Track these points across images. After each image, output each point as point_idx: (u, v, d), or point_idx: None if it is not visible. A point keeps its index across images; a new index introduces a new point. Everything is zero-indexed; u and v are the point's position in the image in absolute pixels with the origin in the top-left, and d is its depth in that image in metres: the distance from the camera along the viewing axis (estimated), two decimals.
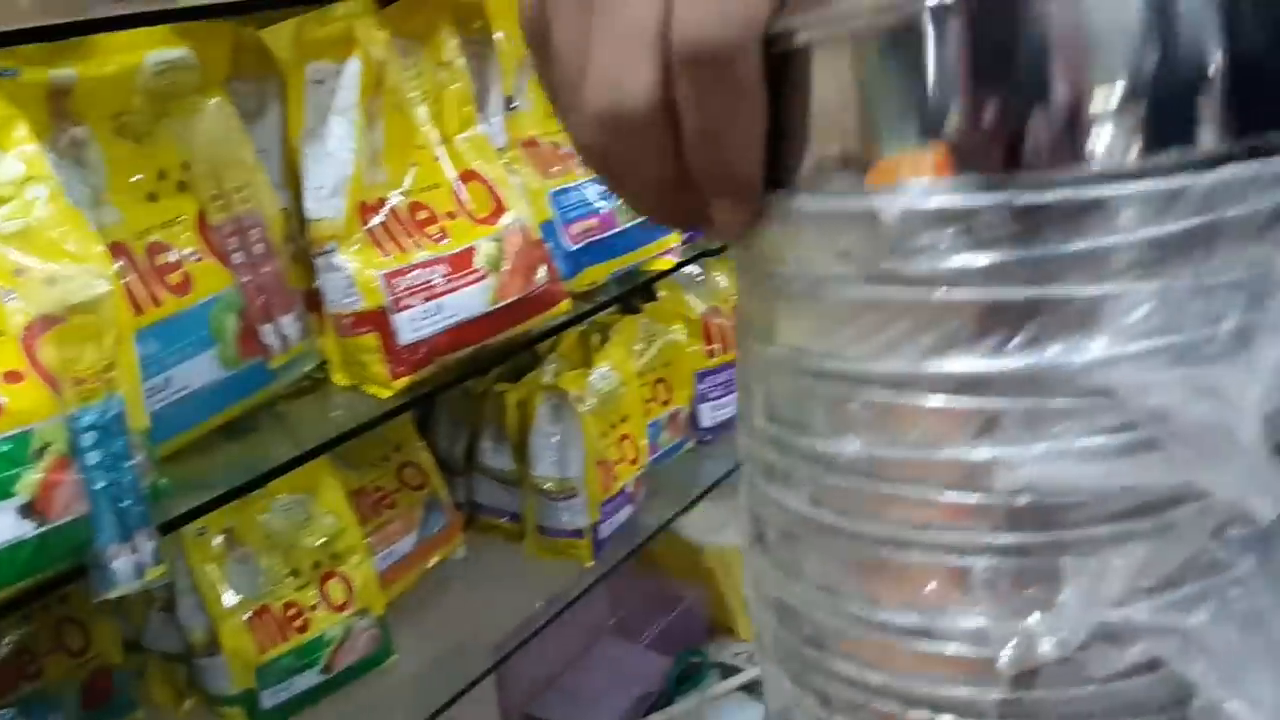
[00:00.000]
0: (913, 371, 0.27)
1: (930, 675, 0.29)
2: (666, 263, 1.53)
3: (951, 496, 0.28)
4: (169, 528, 1.01)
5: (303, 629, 1.23)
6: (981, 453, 0.27)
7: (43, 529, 0.83)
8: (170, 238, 1.06)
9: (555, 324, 1.34)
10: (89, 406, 0.88)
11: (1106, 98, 0.26)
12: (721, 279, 1.80)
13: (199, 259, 1.07)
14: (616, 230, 1.44)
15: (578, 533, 1.50)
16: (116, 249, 1.01)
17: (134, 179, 1.04)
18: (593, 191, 1.43)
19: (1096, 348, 0.26)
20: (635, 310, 1.70)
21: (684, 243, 1.58)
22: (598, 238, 1.42)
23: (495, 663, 1.43)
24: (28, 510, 0.83)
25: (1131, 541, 0.27)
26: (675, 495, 1.70)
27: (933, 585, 0.28)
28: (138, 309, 1.01)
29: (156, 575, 0.92)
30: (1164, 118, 0.26)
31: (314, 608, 1.24)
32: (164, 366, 1.03)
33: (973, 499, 0.27)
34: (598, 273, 1.43)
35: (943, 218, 0.26)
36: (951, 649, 0.28)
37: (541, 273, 1.27)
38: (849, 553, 0.30)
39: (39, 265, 0.88)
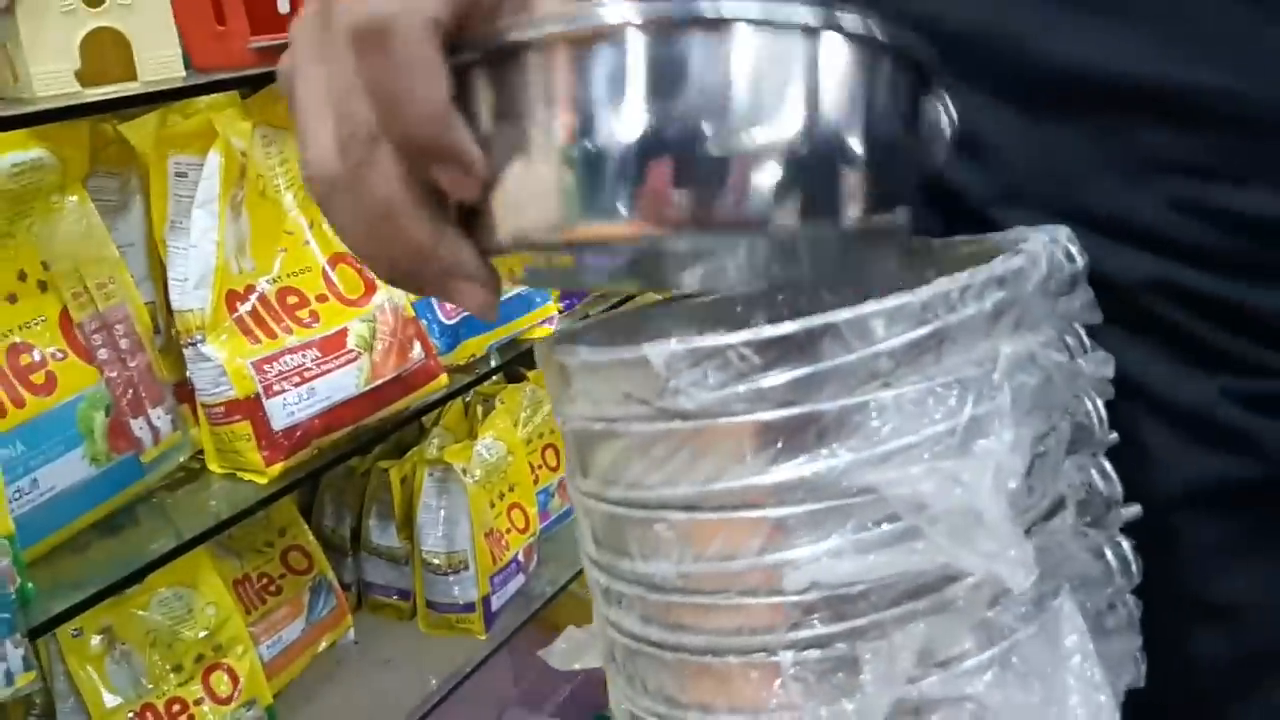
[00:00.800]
0: (701, 493, 0.31)
1: None
2: (546, 330, 1.55)
3: (753, 601, 0.31)
4: (39, 632, 0.99)
5: None
6: (771, 558, 0.30)
7: None
8: (32, 338, 1.05)
9: (434, 399, 1.36)
10: None
11: None
12: None
13: (63, 357, 1.07)
14: None
15: (469, 606, 1.50)
16: None
17: None
18: None
19: (851, 453, 0.29)
20: (520, 378, 1.72)
21: (562, 311, 1.61)
22: None
23: None
24: None
25: (915, 621, 0.30)
26: (570, 560, 1.71)
27: (751, 685, 0.31)
28: (0, 412, 1.00)
29: (26, 682, 0.91)
30: None
31: (199, 702, 1.22)
32: (30, 468, 1.02)
33: (771, 600, 0.31)
34: (476, 345, 1.45)
35: (701, 356, 0.30)
36: None
37: (416, 350, 1.28)
38: (679, 664, 0.33)
39: None
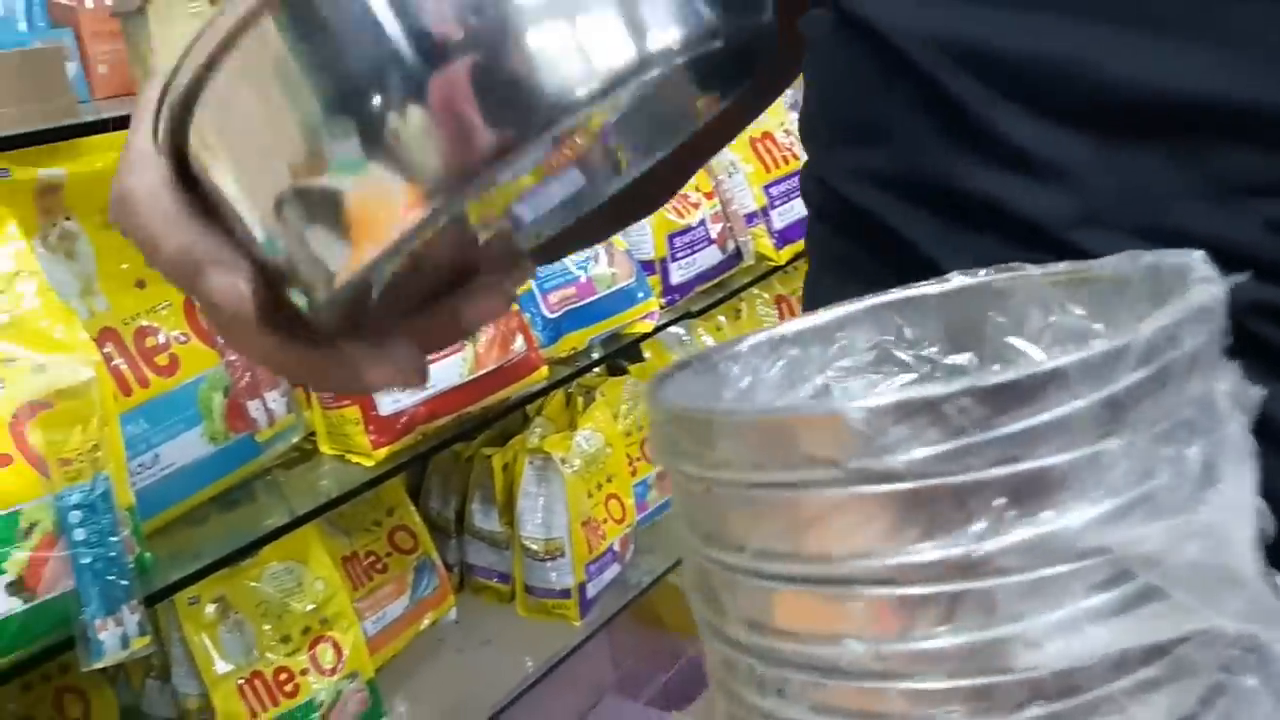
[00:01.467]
0: (907, 565, 0.27)
1: None
2: (647, 326, 1.58)
3: (970, 682, 0.27)
4: (156, 599, 1.05)
5: (293, 694, 1.27)
6: (993, 633, 0.27)
7: (30, 604, 0.88)
8: (158, 321, 1.12)
9: (535, 390, 1.39)
10: (75, 486, 0.93)
11: None
12: (707, 338, 1.84)
13: (186, 341, 1.13)
14: (596, 297, 1.50)
15: (565, 593, 1.53)
16: (106, 334, 1.07)
17: (123, 267, 1.10)
18: (571, 260, 1.49)
19: (1082, 511, 0.26)
20: (622, 371, 1.75)
21: (664, 306, 1.63)
22: (576, 305, 1.47)
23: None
24: (15, 587, 0.88)
25: (1151, 690, 0.27)
26: (667, 552, 1.73)
27: None
28: (126, 391, 1.07)
29: (141, 645, 0.97)
30: None
31: (304, 672, 1.28)
32: (152, 444, 1.09)
33: (992, 680, 0.27)
34: (577, 338, 1.48)
35: (910, 411, 0.26)
36: None
37: (518, 342, 1.32)
38: None
39: (27, 354, 0.94)
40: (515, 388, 1.33)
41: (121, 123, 1.05)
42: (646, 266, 1.61)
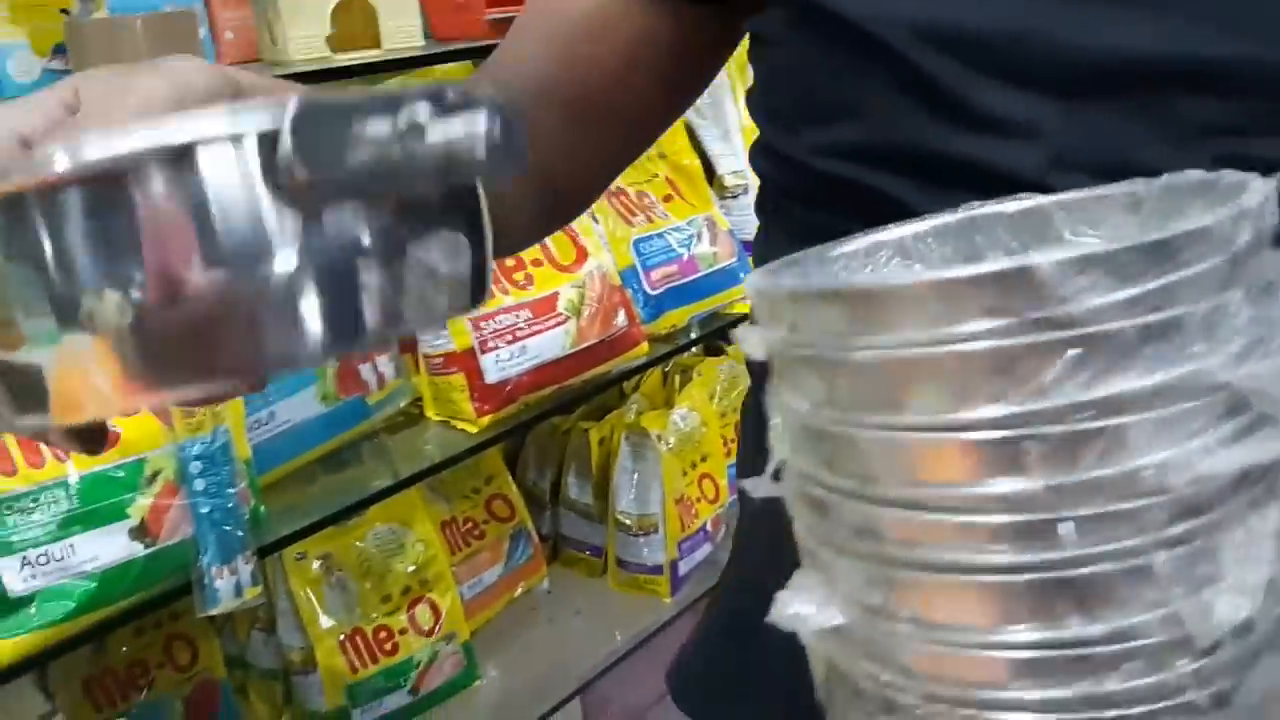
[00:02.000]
0: (1081, 400, 0.30)
1: (1127, 669, 0.33)
2: (746, 306, 1.57)
3: (1129, 505, 0.31)
4: (267, 551, 1.09)
5: (392, 652, 1.30)
6: (1153, 458, 0.31)
7: (151, 549, 0.92)
8: None
9: (634, 365, 1.40)
10: (197, 437, 0.96)
11: None
12: None
13: None
14: (697, 275, 1.50)
15: (657, 568, 1.54)
16: None
17: None
18: (674, 238, 1.49)
19: (1214, 352, 0.31)
20: (719, 352, 1.75)
21: None
22: (678, 283, 1.47)
23: (576, 690, 1.48)
24: (139, 532, 0.91)
25: (1262, 505, 0.32)
26: None
27: (1120, 590, 0.32)
28: None
29: (253, 595, 1.00)
30: None
31: (403, 632, 1.31)
32: (268, 401, 1.12)
33: (1147, 503, 0.31)
34: (678, 316, 1.48)
35: (1088, 264, 0.30)
36: (1148, 642, 0.32)
37: (620, 317, 1.33)
38: (1033, 583, 0.32)
39: None
40: (616, 362, 1.34)
41: None
42: (748, 247, 1.60)
